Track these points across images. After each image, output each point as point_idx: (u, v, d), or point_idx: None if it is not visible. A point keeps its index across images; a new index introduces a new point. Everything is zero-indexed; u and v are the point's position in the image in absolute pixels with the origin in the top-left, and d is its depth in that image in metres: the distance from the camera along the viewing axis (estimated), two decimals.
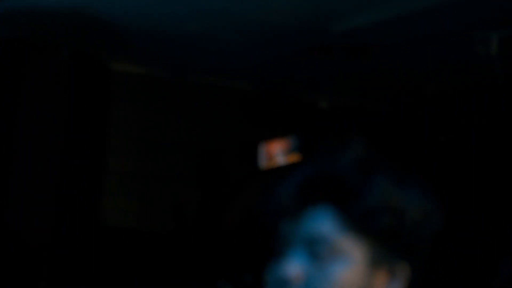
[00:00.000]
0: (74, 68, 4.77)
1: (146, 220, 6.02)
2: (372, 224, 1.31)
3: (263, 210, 1.41)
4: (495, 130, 6.60)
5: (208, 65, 6.09)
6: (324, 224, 1.33)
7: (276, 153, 6.21)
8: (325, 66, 5.91)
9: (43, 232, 4.58)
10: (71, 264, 4.71)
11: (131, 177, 6.03)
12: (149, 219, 6.02)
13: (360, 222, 1.32)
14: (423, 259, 1.37)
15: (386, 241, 1.33)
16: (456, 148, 6.72)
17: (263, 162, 6.25)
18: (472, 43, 4.94)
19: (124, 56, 5.93)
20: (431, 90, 6.34)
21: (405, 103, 6.70)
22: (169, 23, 5.21)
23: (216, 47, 5.66)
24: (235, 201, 6.04)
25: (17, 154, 4.62)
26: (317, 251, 1.32)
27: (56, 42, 4.80)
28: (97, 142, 4.98)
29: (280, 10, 4.91)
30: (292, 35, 5.29)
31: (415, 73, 6.07)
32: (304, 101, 6.80)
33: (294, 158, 6.01)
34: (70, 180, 4.74)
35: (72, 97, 4.74)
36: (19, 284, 4.51)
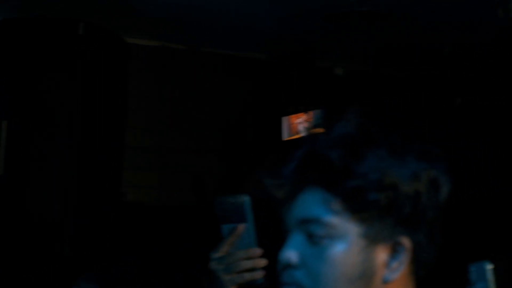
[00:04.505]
0: (91, 43, 4.75)
1: (167, 194, 6.02)
2: (363, 201, 1.29)
3: (267, 193, 1.40)
4: None
5: (223, 35, 6.05)
6: (315, 206, 1.32)
7: (300, 126, 6.19)
8: (341, 33, 5.87)
9: (64, 209, 4.59)
10: (92, 240, 4.72)
11: (150, 151, 6.03)
12: (169, 194, 6.03)
13: (350, 201, 1.30)
14: (430, 231, 1.33)
15: (382, 216, 1.30)
16: (473, 110, 6.70)
17: (287, 135, 6.24)
18: (492, 5, 4.90)
19: (139, 29, 5.90)
20: (448, 52, 6.30)
21: (422, 65, 6.67)
22: None
23: (230, 16, 5.61)
24: (255, 174, 6.00)
25: (36, 130, 4.62)
26: (312, 233, 1.31)
27: (72, 18, 4.77)
28: (115, 117, 4.97)
29: None
30: (309, 2, 5.24)
31: (433, 37, 6.03)
32: (320, 68, 6.77)
33: (317, 131, 5.98)
34: (89, 156, 4.74)
35: (89, 71, 4.72)
36: (41, 260, 4.53)
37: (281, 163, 1.37)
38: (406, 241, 1.32)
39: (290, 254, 1.32)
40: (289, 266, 1.32)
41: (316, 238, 1.31)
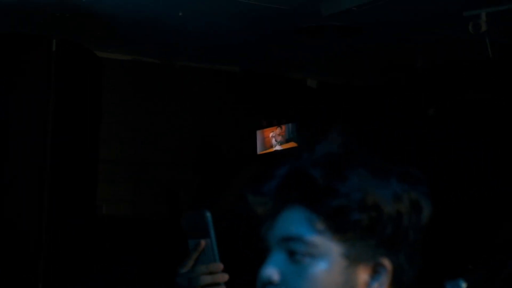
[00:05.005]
0: (64, 59, 4.72)
1: (141, 207, 6.01)
2: (345, 221, 1.29)
3: (247, 211, 1.40)
4: (484, 102, 6.63)
5: (197, 49, 6.05)
6: (297, 225, 1.32)
7: (273, 140, 6.20)
8: (315, 46, 5.89)
9: (39, 224, 4.57)
10: (67, 254, 4.71)
11: (124, 165, 6.02)
12: (144, 207, 6.01)
13: (332, 220, 1.30)
14: (411, 253, 1.34)
15: (364, 237, 1.30)
16: (444, 120, 6.74)
17: (261, 149, 6.23)
18: (463, 21, 4.95)
19: (113, 44, 5.89)
20: (421, 65, 6.35)
21: (395, 77, 6.70)
22: (155, 9, 5.16)
23: (203, 30, 5.62)
24: (230, 188, 6.02)
25: (10, 145, 4.60)
26: (294, 252, 1.32)
27: (44, 34, 4.76)
28: (89, 131, 4.96)
29: None
30: (283, 17, 5.25)
31: (406, 51, 6.06)
32: (294, 80, 6.78)
33: (291, 145, 5.99)
34: (63, 170, 4.73)
35: (63, 87, 4.71)
36: (14, 273, 4.51)
37: (263, 180, 1.37)
38: (387, 262, 1.32)
39: (271, 272, 1.32)
40: (270, 283, 1.32)
41: (298, 257, 1.31)
